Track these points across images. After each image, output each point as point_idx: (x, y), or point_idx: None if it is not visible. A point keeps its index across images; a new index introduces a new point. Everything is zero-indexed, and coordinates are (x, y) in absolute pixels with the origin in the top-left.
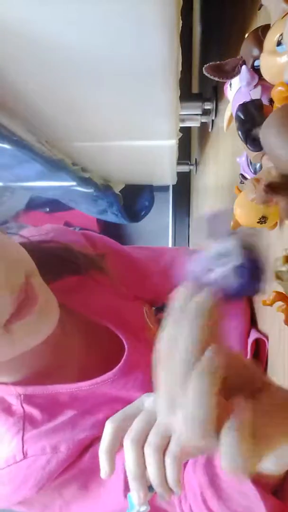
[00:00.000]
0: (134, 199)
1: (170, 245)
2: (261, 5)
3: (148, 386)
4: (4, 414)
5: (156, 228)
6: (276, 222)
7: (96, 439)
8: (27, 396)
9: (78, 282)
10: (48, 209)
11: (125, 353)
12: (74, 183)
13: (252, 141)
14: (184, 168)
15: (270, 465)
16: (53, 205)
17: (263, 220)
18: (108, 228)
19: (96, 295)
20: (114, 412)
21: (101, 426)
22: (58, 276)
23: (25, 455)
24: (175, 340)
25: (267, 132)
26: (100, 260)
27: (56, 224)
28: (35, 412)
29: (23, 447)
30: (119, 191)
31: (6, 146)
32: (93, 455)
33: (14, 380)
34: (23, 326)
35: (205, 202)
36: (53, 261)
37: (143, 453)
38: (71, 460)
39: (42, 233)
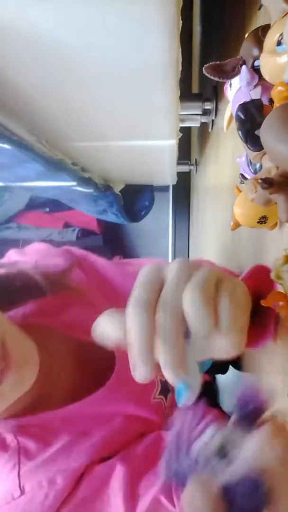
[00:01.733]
0: (134, 199)
1: (170, 245)
2: (261, 5)
3: (143, 396)
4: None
5: (156, 228)
6: (276, 222)
7: (91, 464)
8: (20, 427)
9: (53, 302)
10: (48, 209)
11: (115, 367)
12: (74, 183)
13: (252, 141)
14: (184, 168)
15: None
16: (53, 205)
17: (263, 220)
18: (108, 228)
19: (76, 312)
20: (110, 431)
21: (95, 450)
22: (23, 302)
23: (22, 491)
24: None
25: (267, 129)
26: (64, 277)
27: (41, 244)
28: (30, 444)
29: (19, 482)
30: (119, 191)
31: (6, 146)
32: (90, 483)
33: (6, 415)
34: (4, 388)
35: (205, 202)
36: (11, 290)
37: None
38: (69, 491)
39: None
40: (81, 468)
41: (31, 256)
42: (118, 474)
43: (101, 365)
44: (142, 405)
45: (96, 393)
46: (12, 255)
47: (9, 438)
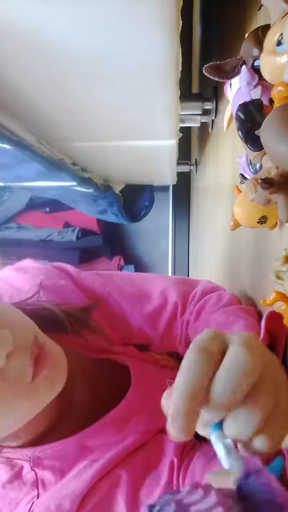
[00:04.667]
0: (134, 199)
1: (170, 245)
2: (261, 5)
3: (158, 410)
4: (17, 482)
5: (156, 228)
6: (276, 222)
7: (97, 482)
8: (36, 458)
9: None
10: (48, 209)
11: (131, 385)
12: (74, 183)
13: (252, 141)
14: (184, 168)
15: None
16: (53, 205)
17: (263, 220)
18: (108, 228)
19: (87, 340)
20: (119, 450)
21: (103, 469)
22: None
23: None
24: None
25: (267, 130)
26: (86, 316)
27: (34, 262)
28: (47, 475)
29: (30, 508)
30: (119, 191)
31: (6, 146)
32: (93, 498)
33: (22, 443)
34: (44, 380)
35: (205, 202)
36: (36, 321)
37: None
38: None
39: (26, 275)
40: (88, 488)
41: (34, 274)
42: (121, 482)
43: (115, 383)
44: (156, 419)
45: (110, 414)
46: (10, 275)
47: (26, 469)
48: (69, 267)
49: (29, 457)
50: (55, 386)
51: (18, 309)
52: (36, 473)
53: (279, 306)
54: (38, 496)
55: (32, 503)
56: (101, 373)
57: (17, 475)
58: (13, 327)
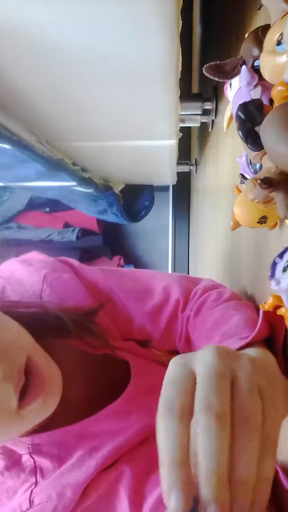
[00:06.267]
0: (134, 199)
1: (170, 245)
2: (261, 5)
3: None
4: (15, 470)
5: (156, 228)
6: (276, 222)
7: (100, 473)
8: (35, 445)
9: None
10: (48, 209)
11: (131, 379)
12: (74, 183)
13: (252, 141)
14: (184, 168)
15: None
16: (53, 205)
17: (263, 220)
18: (108, 228)
19: (88, 341)
20: (121, 442)
21: (104, 461)
22: (44, 337)
23: (31, 504)
24: None
25: (267, 129)
26: (90, 321)
27: (39, 254)
28: (46, 462)
29: (30, 496)
30: (119, 191)
31: (6, 146)
32: (96, 490)
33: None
34: (34, 409)
35: (205, 202)
36: (40, 327)
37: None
38: (77, 501)
39: (35, 267)
40: (90, 478)
41: (38, 267)
42: (124, 478)
43: (115, 377)
44: (156, 414)
45: (110, 406)
46: (15, 267)
47: (25, 457)
48: (73, 261)
49: (28, 445)
50: (46, 411)
51: (17, 316)
52: (34, 460)
53: (280, 309)
54: (36, 484)
55: (31, 491)
56: (101, 368)
57: (15, 462)
58: (3, 349)
